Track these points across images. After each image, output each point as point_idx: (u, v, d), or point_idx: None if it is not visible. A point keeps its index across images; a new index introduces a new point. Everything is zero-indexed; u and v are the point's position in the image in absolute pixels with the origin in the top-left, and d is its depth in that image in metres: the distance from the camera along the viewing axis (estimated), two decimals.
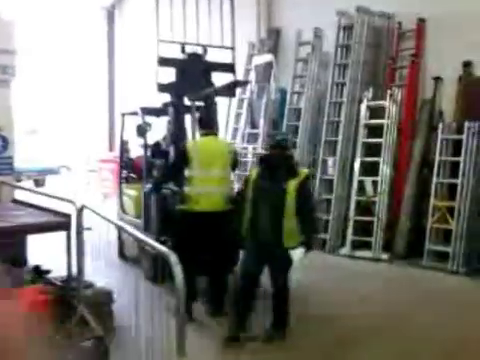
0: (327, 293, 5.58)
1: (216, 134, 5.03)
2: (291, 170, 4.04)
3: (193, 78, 5.52)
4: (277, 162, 4.02)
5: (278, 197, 3.94)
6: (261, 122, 9.19)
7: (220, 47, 6.02)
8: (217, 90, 5.43)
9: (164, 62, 5.59)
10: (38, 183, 22.14)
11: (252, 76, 9.70)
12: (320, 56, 8.55)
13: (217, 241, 4.64)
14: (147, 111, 6.21)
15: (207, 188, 4.64)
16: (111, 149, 16.35)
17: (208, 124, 4.96)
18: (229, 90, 5.62)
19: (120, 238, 7.03)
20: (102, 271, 6.24)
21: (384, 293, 5.64)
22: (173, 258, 2.26)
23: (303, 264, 4.05)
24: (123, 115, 7.27)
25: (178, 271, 2.18)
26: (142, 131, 5.93)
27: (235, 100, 9.89)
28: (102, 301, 4.60)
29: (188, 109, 5.59)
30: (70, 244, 4.31)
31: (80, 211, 4.22)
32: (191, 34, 6.02)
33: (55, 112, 28.25)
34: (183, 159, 4.71)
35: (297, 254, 3.92)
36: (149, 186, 5.68)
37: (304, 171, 4.21)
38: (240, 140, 9.71)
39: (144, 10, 13.72)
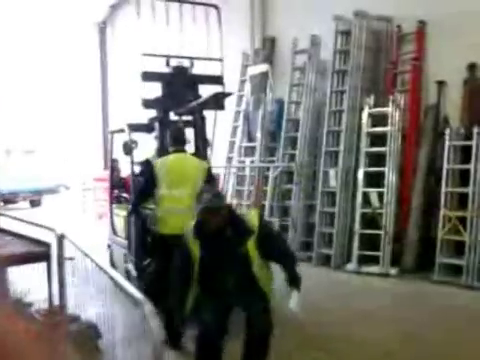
0: (332, 312, 5.21)
1: (185, 151, 4.74)
2: (241, 228, 3.31)
3: (179, 92, 5.32)
4: (219, 229, 3.29)
5: (241, 265, 3.27)
6: (258, 135, 8.86)
7: (208, 59, 5.76)
8: (201, 104, 5.19)
9: (148, 77, 5.41)
10: (34, 203, 21.81)
11: (247, 87, 9.40)
12: (317, 64, 8.24)
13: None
14: (134, 128, 5.88)
15: (175, 209, 4.35)
16: (105, 167, 16.01)
17: (178, 141, 4.69)
18: (215, 103, 5.37)
19: (112, 260, 6.69)
20: (92, 298, 5.89)
21: (394, 310, 5.27)
22: (147, 307, 1.99)
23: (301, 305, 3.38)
24: (112, 133, 6.94)
25: (154, 324, 1.84)
26: (128, 149, 5.61)
27: (231, 113, 9.62)
28: (87, 336, 4.23)
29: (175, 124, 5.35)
30: (51, 275, 3.99)
31: (60, 240, 3.88)
32: (179, 47, 5.81)
33: (51, 131, 28.06)
34: (151, 179, 4.46)
35: (294, 301, 3.27)
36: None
37: (253, 218, 3.43)
38: (237, 154, 9.37)
39: (135, 25, 13.52)
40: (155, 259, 4.84)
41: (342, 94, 7.56)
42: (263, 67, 8.87)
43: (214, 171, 9.44)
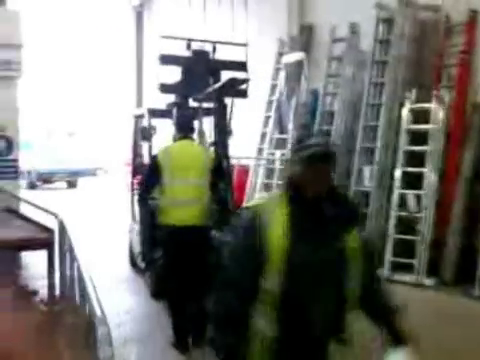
0: None
1: (192, 139, 4.50)
2: (344, 207, 1.96)
3: (198, 77, 5.08)
4: (319, 199, 1.84)
5: (336, 276, 1.87)
6: (290, 126, 8.43)
7: (231, 44, 5.47)
8: (218, 90, 4.89)
9: (166, 60, 5.17)
10: (71, 184, 22.10)
11: (281, 76, 8.96)
12: (356, 54, 7.73)
13: (192, 261, 4.09)
14: (154, 113, 5.65)
15: (179, 199, 4.09)
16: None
17: (184, 127, 4.43)
18: (231, 89, 5.04)
19: (131, 248, 6.58)
20: (106, 288, 5.72)
21: (430, 329, 4.79)
22: (102, 330, 1.72)
23: None
24: (135, 117, 6.74)
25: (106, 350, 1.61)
26: (147, 134, 5.41)
27: (263, 102, 9.22)
28: (88, 329, 4.02)
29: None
30: (53, 263, 3.79)
31: (62, 228, 3.65)
32: (205, 31, 5.53)
33: (91, 114, 28.40)
34: (154, 168, 4.22)
35: None
36: None
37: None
38: (268, 145, 8.98)
39: (172, 9, 13.27)
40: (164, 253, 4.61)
41: (381, 87, 7.05)
42: (299, 55, 8.40)
43: (244, 162, 9.29)
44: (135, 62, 15.65)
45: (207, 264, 4.12)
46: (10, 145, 6.69)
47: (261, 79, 9.21)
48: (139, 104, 15.75)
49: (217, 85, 4.94)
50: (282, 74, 8.93)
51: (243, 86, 5.37)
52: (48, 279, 3.92)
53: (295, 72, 8.63)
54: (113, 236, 8.41)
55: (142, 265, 5.33)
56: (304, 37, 8.98)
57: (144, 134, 5.83)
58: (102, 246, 8.27)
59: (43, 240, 3.66)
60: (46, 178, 21.38)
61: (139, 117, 6.68)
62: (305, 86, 8.32)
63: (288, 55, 8.74)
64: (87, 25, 18.57)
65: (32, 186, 20.80)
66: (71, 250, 3.54)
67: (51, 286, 3.97)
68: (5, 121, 6.65)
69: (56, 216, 3.88)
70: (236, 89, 5.28)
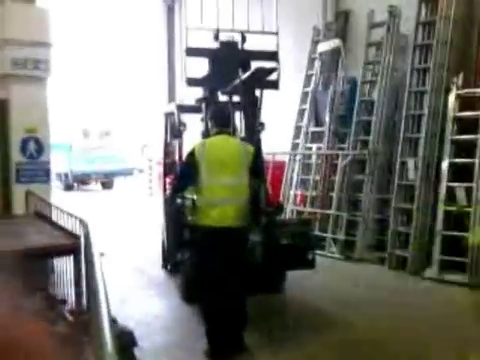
0: (407, 329, 4.37)
1: (230, 133, 4.20)
2: None
3: (227, 70, 4.80)
4: None
5: None
6: (327, 118, 8.02)
7: (261, 33, 5.16)
8: (244, 82, 4.63)
9: (192, 52, 4.91)
10: (106, 185, 22.23)
11: (317, 66, 8.55)
12: (396, 38, 7.24)
13: (229, 264, 3.81)
14: (184, 109, 5.37)
15: (216, 198, 3.81)
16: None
17: (219, 121, 4.13)
18: (259, 80, 4.78)
19: (163, 249, 6.34)
20: (139, 295, 5.50)
21: None
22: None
23: None
24: (165, 115, 6.47)
25: None
26: (177, 131, 5.14)
27: (298, 94, 8.83)
28: (121, 345, 3.76)
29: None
30: (80, 271, 3.53)
31: (87, 234, 3.39)
32: (235, 22, 5.27)
33: (126, 113, 28.52)
34: (190, 164, 3.92)
35: None
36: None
37: None
38: (303, 139, 8.59)
39: (203, 2, 13.01)
40: (193, 254, 4.36)
41: (425, 73, 6.56)
42: (335, 42, 7.97)
43: (279, 158, 8.94)
44: (166, 58, 15.49)
45: (245, 267, 3.90)
46: (40, 147, 6.52)
47: (295, 70, 8.86)
48: (171, 100, 15.59)
49: (244, 76, 4.67)
50: (317, 63, 8.52)
51: (274, 77, 5.09)
52: (75, 287, 3.67)
53: (331, 61, 8.22)
54: (146, 237, 8.20)
55: (167, 267, 5.09)
56: (340, 24, 8.53)
57: (174, 131, 5.57)
58: (134, 247, 8.09)
59: (68, 246, 3.42)
60: (82, 179, 21.56)
61: (169, 114, 6.44)
62: (342, 75, 7.90)
63: (323, 43, 8.32)
64: (117, 21, 18.55)
65: (69, 187, 21.00)
66: (91, 257, 3.30)
67: (78, 295, 3.71)
68: (35, 122, 6.47)
69: (81, 221, 3.63)
70: (266, 80, 5.02)
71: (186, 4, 14.15)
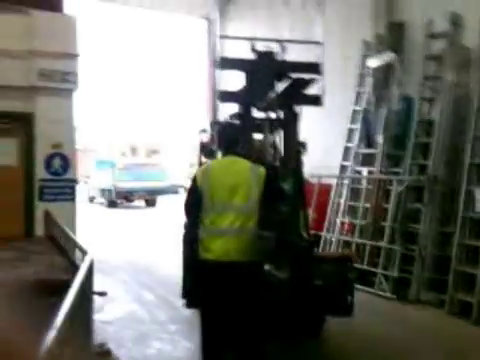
0: None
1: (237, 154, 3.58)
2: None
3: (263, 82, 4.29)
4: None
5: None
6: (379, 139, 7.25)
7: (303, 42, 4.63)
8: (281, 95, 4.14)
9: (226, 64, 4.49)
10: (149, 203, 22.08)
11: (368, 82, 7.82)
12: (459, 51, 6.44)
13: (239, 303, 3.24)
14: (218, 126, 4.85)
15: (218, 229, 3.25)
16: None
17: (228, 141, 3.62)
18: (298, 94, 4.29)
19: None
20: (160, 330, 4.89)
21: None
22: None
23: None
24: (201, 132, 5.97)
25: None
26: (209, 152, 4.66)
27: (348, 113, 8.13)
28: None
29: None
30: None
31: (90, 269, 2.84)
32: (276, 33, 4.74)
33: (173, 130, 28.62)
34: (193, 192, 3.41)
35: None
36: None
37: None
38: (353, 162, 7.84)
39: (246, 16, 12.65)
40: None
41: None
42: (388, 56, 7.24)
43: (325, 181, 8.24)
44: (208, 74, 15.19)
45: (258, 307, 3.28)
46: (66, 163, 6.17)
47: (342, 86, 8.18)
48: (213, 118, 15.23)
49: (280, 89, 4.12)
50: (368, 80, 7.79)
51: (316, 92, 4.49)
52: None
53: (384, 77, 7.47)
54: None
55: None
56: (393, 36, 7.77)
57: (205, 150, 5.10)
58: (164, 272, 7.56)
59: (57, 283, 2.90)
60: (126, 196, 21.52)
61: (204, 131, 5.96)
62: (396, 92, 7.14)
63: (375, 57, 7.59)
64: (161, 38, 18.56)
65: (112, 204, 20.99)
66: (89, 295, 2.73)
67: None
68: (61, 137, 6.13)
69: (86, 253, 3.10)
70: (307, 95, 4.47)
71: (233, 20, 13.88)
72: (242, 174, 3.37)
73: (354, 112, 8.08)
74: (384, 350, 4.52)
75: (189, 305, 4.30)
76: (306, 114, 4.49)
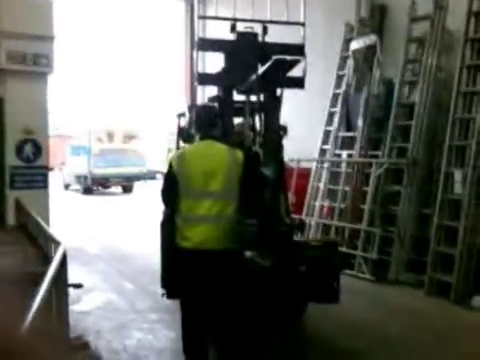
0: None
1: (215, 137, 3.45)
2: None
3: (244, 64, 4.14)
4: None
5: None
6: (359, 123, 7.19)
7: (285, 23, 4.62)
8: (263, 77, 3.98)
9: (205, 45, 4.46)
10: (126, 189, 21.77)
11: (349, 65, 7.74)
12: (442, 34, 6.39)
13: (217, 291, 3.18)
14: None
15: (195, 216, 3.15)
16: None
17: (205, 124, 3.48)
18: (280, 76, 4.16)
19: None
20: (140, 320, 4.78)
21: None
22: None
23: None
24: (178, 116, 5.81)
25: None
26: (186, 135, 4.54)
27: (327, 96, 8.05)
28: None
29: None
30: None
31: (63, 261, 2.71)
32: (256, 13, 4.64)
33: (150, 116, 28.18)
34: (170, 177, 3.28)
35: None
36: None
37: None
38: (332, 145, 7.79)
39: (227, 2, 12.40)
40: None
41: (477, 70, 5.70)
42: (370, 39, 7.16)
43: (304, 165, 8.18)
44: (188, 58, 14.92)
45: (235, 296, 3.22)
46: (38, 149, 5.95)
47: (325, 70, 8.09)
48: (191, 102, 15.01)
49: (261, 70, 3.98)
50: (350, 63, 7.71)
51: (297, 73, 4.38)
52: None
53: (365, 60, 7.39)
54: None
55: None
56: (376, 19, 7.69)
57: (183, 135, 4.96)
58: (142, 260, 7.43)
59: (28, 277, 2.76)
60: (102, 182, 21.17)
61: (182, 116, 5.80)
62: (378, 75, 7.08)
63: (357, 40, 7.51)
64: (141, 22, 18.17)
65: (87, 190, 20.62)
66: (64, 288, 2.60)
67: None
68: (33, 122, 5.90)
69: (59, 244, 2.96)
70: (289, 77, 4.34)
71: (214, 3, 13.61)
72: (219, 159, 3.25)
73: (334, 95, 8.02)
74: (366, 332, 4.51)
75: (169, 295, 4.19)
76: (286, 97, 4.39)
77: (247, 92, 4.36)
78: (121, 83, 25.60)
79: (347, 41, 7.96)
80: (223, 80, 4.30)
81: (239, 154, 3.27)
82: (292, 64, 4.03)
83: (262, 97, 4.29)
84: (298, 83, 4.44)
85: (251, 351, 3.72)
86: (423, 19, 6.64)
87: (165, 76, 19.96)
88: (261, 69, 3.98)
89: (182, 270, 3.22)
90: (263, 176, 3.94)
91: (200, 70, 4.85)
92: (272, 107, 4.27)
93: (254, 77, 4.00)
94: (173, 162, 3.26)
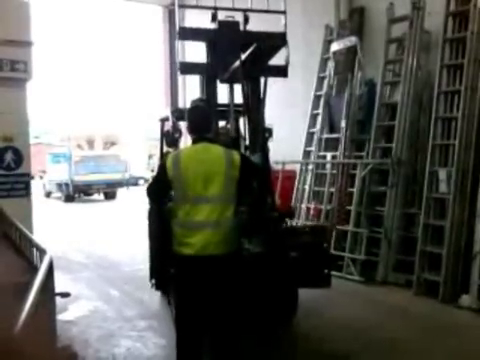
0: None
1: (210, 139, 3.34)
2: None
3: (226, 53, 4.09)
4: None
5: None
6: (342, 124, 7.22)
7: (267, 11, 4.50)
8: (245, 64, 3.94)
9: (186, 34, 4.34)
10: (108, 195, 21.58)
11: (330, 66, 7.78)
12: (421, 34, 6.46)
13: (218, 297, 3.13)
14: (180, 115, 4.66)
15: (196, 223, 3.05)
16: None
17: (200, 125, 3.35)
18: (262, 63, 4.12)
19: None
20: (129, 327, 4.69)
21: None
22: None
23: None
24: (161, 121, 5.76)
25: None
26: (171, 139, 4.48)
27: (309, 97, 8.07)
28: None
29: None
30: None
31: (50, 269, 2.64)
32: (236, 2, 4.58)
33: (132, 122, 27.92)
34: (162, 179, 3.17)
35: None
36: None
37: None
38: (316, 147, 7.81)
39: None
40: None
41: (456, 70, 5.76)
42: (350, 40, 7.20)
43: (289, 167, 8.17)
44: (168, 61, 14.85)
45: (235, 301, 3.17)
46: (19, 157, 5.84)
47: (305, 72, 8.12)
48: (175, 106, 14.94)
49: (243, 56, 3.93)
50: (331, 64, 7.75)
51: (277, 60, 4.35)
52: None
53: (346, 61, 7.44)
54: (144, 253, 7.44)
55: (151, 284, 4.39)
56: (355, 21, 7.75)
57: (167, 139, 4.88)
58: (129, 266, 7.34)
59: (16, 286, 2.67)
60: (83, 190, 20.95)
61: (165, 120, 5.74)
62: (359, 76, 7.12)
63: (337, 42, 7.55)
64: (119, 27, 18.03)
65: (69, 198, 20.38)
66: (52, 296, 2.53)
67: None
68: (12, 130, 5.79)
69: (44, 253, 2.88)
70: (272, 66, 4.30)
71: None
72: (216, 162, 3.14)
73: (316, 97, 8.04)
74: (355, 332, 4.50)
75: (158, 286, 4.13)
76: (268, 100, 4.35)
77: (230, 81, 4.30)
78: (100, 89, 25.37)
79: (327, 43, 8.01)
80: (205, 68, 4.24)
81: (236, 156, 3.19)
82: (274, 49, 3.99)
83: (246, 86, 4.19)
84: (281, 71, 4.37)
85: (243, 353, 3.68)
86: (401, 20, 6.71)
87: (144, 81, 19.83)
88: (244, 55, 3.92)
89: (183, 277, 3.13)
90: (259, 168, 3.87)
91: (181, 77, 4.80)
92: (256, 109, 4.22)
93: (237, 64, 3.95)
94: (167, 164, 3.15)
